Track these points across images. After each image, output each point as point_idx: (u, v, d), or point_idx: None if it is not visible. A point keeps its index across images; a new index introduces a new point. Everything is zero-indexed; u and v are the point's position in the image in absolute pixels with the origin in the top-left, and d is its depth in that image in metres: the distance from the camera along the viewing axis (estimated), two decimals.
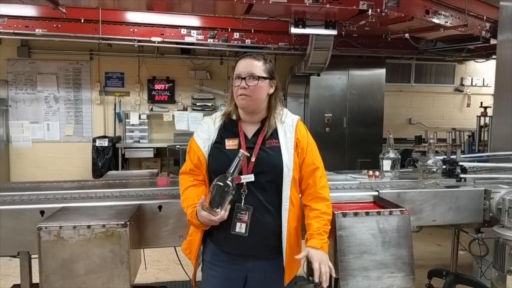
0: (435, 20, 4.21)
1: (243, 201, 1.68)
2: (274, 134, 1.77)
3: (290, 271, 1.78)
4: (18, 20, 5.12)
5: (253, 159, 1.70)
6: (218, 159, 1.72)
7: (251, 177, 1.68)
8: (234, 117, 1.80)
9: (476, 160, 3.40)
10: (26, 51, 6.28)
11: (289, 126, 1.79)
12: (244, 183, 1.68)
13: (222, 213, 1.61)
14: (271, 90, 1.77)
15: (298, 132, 1.79)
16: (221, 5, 4.17)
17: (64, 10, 4.10)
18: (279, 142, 1.75)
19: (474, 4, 4.58)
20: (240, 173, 1.67)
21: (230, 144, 1.73)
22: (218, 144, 1.75)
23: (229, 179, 1.60)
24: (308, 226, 1.77)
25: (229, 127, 1.79)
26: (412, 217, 2.21)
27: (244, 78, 1.71)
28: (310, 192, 1.80)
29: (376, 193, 2.36)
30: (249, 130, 1.78)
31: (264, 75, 1.73)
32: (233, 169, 1.61)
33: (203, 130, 1.80)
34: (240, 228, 1.68)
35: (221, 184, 1.58)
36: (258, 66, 1.72)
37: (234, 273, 1.77)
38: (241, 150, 1.66)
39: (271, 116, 1.78)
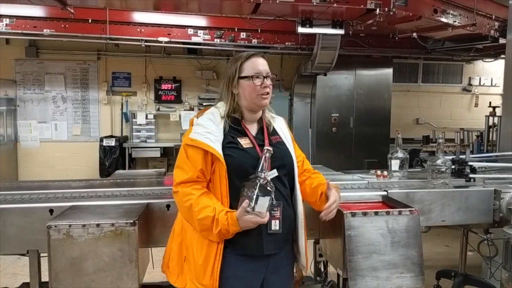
0: (443, 19, 4.18)
1: (273, 198, 1.64)
2: (274, 130, 1.83)
3: (307, 257, 1.84)
4: (26, 21, 5.16)
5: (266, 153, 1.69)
6: (239, 159, 1.66)
7: (274, 173, 1.68)
8: (236, 116, 1.77)
9: (485, 160, 3.38)
10: (34, 51, 6.32)
11: (281, 123, 1.89)
12: (270, 180, 1.64)
13: (268, 214, 1.57)
14: None
15: (288, 129, 1.91)
16: (228, 5, 4.17)
17: (72, 10, 4.12)
18: (281, 138, 1.82)
19: (482, 3, 4.54)
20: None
21: (244, 142, 1.71)
22: (232, 144, 1.68)
23: (267, 179, 1.57)
24: (317, 183, 1.84)
25: (234, 127, 1.75)
26: (421, 217, 2.19)
27: (266, 77, 1.73)
28: (308, 169, 1.93)
29: (385, 193, 2.35)
30: (252, 128, 1.79)
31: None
32: (264, 167, 1.59)
33: (208, 131, 1.68)
34: (275, 225, 1.66)
35: (265, 184, 1.55)
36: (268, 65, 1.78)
37: (255, 279, 1.72)
38: (266, 147, 1.64)
39: (265, 113, 1.83)
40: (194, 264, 1.66)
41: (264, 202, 1.54)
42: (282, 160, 1.73)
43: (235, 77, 1.73)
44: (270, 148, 1.63)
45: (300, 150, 1.95)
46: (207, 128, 1.68)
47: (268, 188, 1.56)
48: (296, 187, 1.79)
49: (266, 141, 1.75)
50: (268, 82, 1.73)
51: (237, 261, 1.67)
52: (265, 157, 1.60)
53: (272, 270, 1.74)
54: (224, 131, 1.71)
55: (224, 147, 1.66)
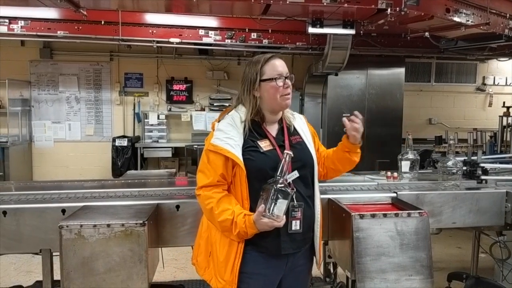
0: (456, 19, 4.12)
1: (294, 199, 1.68)
2: (294, 130, 1.85)
3: (320, 256, 1.89)
4: (40, 23, 5.23)
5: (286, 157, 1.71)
6: (259, 162, 1.69)
7: (295, 174, 1.69)
8: (256, 119, 1.78)
9: (498, 161, 3.33)
10: (48, 53, 6.42)
11: (301, 122, 1.91)
12: (291, 182, 1.67)
13: (284, 217, 1.60)
14: None
15: (309, 128, 1.93)
16: (238, 6, 4.18)
17: (85, 13, 4.18)
18: (301, 137, 1.84)
19: (496, 2, 4.46)
20: None
21: (264, 145, 1.73)
22: (252, 148, 1.71)
23: (286, 183, 1.59)
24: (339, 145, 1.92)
25: (254, 129, 1.76)
26: (431, 219, 2.18)
27: (287, 78, 1.75)
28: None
29: (395, 194, 2.34)
30: (272, 130, 1.81)
31: None
32: (284, 171, 1.60)
33: (229, 136, 1.71)
34: (296, 225, 1.70)
35: (283, 189, 1.56)
36: None
37: (273, 276, 1.77)
38: (286, 151, 1.65)
39: (285, 113, 1.86)
40: (217, 260, 1.73)
41: (281, 206, 1.57)
42: (302, 161, 1.76)
43: (257, 80, 1.75)
44: (290, 152, 1.64)
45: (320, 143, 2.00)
46: (228, 134, 1.71)
47: (287, 191, 1.57)
48: (315, 186, 1.83)
49: (287, 143, 1.77)
50: (288, 83, 1.76)
51: (256, 258, 1.73)
52: (285, 160, 1.62)
53: (291, 268, 1.79)
54: (244, 135, 1.73)
55: (244, 151, 1.70)
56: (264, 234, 1.65)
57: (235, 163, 1.67)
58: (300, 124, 1.89)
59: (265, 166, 1.67)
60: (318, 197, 1.85)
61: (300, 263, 1.82)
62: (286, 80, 1.75)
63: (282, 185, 1.57)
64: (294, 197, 1.65)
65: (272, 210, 1.57)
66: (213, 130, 1.78)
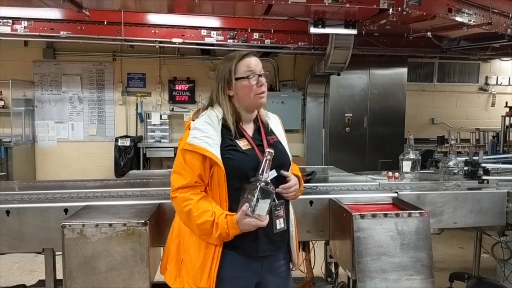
0: (458, 19, 4.12)
1: (275, 198, 1.65)
2: (270, 130, 1.82)
3: (298, 255, 1.85)
4: (43, 23, 5.26)
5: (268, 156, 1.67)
6: (239, 161, 1.64)
7: (274, 173, 1.66)
8: (233, 118, 1.73)
9: (500, 161, 3.33)
10: (51, 53, 6.45)
11: (276, 122, 1.87)
12: (269, 181, 1.63)
13: (267, 217, 1.57)
14: None
15: (282, 128, 1.89)
16: (240, 6, 4.20)
17: (87, 13, 4.21)
18: (277, 137, 1.81)
19: (499, 1, 4.46)
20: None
21: (243, 144, 1.69)
22: (230, 147, 1.66)
23: (267, 181, 1.56)
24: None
25: (230, 129, 1.70)
26: (432, 220, 2.18)
27: (260, 75, 1.71)
28: None
29: (395, 194, 2.34)
30: (249, 129, 1.77)
31: None
32: (265, 170, 1.57)
33: (207, 135, 1.66)
34: (280, 224, 1.67)
35: (265, 188, 1.54)
36: None
37: (250, 279, 1.71)
38: (267, 149, 1.62)
39: (260, 112, 1.82)
40: (192, 267, 1.65)
41: (264, 205, 1.54)
42: (279, 160, 1.70)
43: (231, 78, 1.71)
44: (272, 151, 1.61)
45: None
46: (206, 132, 1.66)
47: (269, 190, 1.55)
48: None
49: (265, 142, 1.74)
50: (262, 80, 1.71)
51: (233, 261, 1.66)
52: (267, 159, 1.59)
53: (268, 270, 1.73)
54: (222, 134, 1.68)
55: (223, 150, 1.65)
56: (243, 236, 1.59)
57: (213, 163, 1.61)
58: (275, 124, 1.86)
59: (246, 166, 1.63)
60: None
61: (277, 265, 1.77)
62: (260, 78, 1.70)
63: (265, 184, 1.55)
64: (274, 197, 1.62)
65: (255, 209, 1.53)
66: (188, 129, 1.70)
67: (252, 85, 1.69)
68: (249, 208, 1.52)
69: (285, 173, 1.70)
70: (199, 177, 1.64)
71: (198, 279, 1.63)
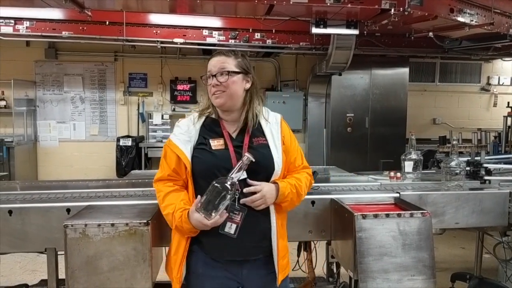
0: (460, 19, 4.12)
1: (236, 201, 1.60)
2: (260, 132, 1.74)
3: (282, 271, 1.74)
4: (45, 23, 5.27)
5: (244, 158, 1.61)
6: (205, 161, 1.65)
7: (243, 175, 1.61)
8: (213, 116, 1.75)
9: (502, 161, 3.32)
10: (53, 53, 6.46)
11: (273, 124, 1.78)
12: (237, 182, 1.58)
13: (217, 218, 1.53)
14: (248, 85, 1.73)
15: (283, 130, 1.79)
16: (242, 6, 4.20)
17: (89, 13, 4.21)
18: (266, 140, 1.72)
19: (500, 1, 4.46)
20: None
21: (216, 144, 1.67)
22: (202, 145, 1.68)
23: (229, 183, 1.51)
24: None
25: (211, 127, 1.72)
26: (434, 220, 2.18)
27: (215, 75, 1.67)
28: (291, 173, 1.80)
29: (397, 194, 2.34)
30: (232, 129, 1.74)
31: (236, 69, 1.69)
32: (235, 172, 1.54)
33: (182, 132, 1.71)
34: (230, 228, 1.60)
35: (219, 187, 1.50)
36: (228, 62, 1.69)
37: (228, 281, 1.69)
38: (246, 154, 1.57)
39: (249, 111, 1.73)
40: (169, 255, 1.77)
41: (216, 206, 1.51)
42: (257, 165, 1.61)
43: (203, 76, 1.74)
44: (250, 156, 1.56)
45: (304, 160, 1.86)
46: (182, 129, 1.73)
47: (224, 193, 1.50)
48: None
49: (246, 144, 1.68)
50: (214, 81, 1.67)
51: (206, 259, 1.69)
52: (242, 162, 1.55)
53: (250, 277, 1.70)
54: (200, 132, 1.71)
55: (195, 149, 1.68)
56: (208, 236, 1.62)
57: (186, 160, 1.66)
58: (271, 126, 1.76)
59: (211, 166, 1.62)
60: (273, 206, 1.69)
61: (261, 273, 1.72)
62: (215, 78, 1.67)
63: (227, 185, 1.50)
64: (237, 197, 1.58)
65: (207, 207, 1.51)
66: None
67: (208, 85, 1.70)
68: (199, 203, 1.53)
69: (252, 182, 1.62)
70: (174, 172, 1.70)
71: (171, 268, 1.75)
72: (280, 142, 1.74)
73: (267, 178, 1.68)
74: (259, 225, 1.68)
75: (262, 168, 1.66)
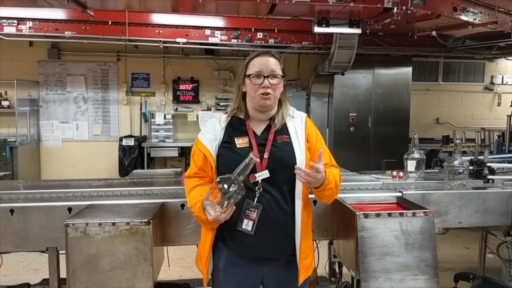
0: (463, 18, 4.10)
1: (256, 199, 1.63)
2: (284, 130, 1.76)
3: (305, 271, 1.75)
4: (48, 23, 5.28)
5: (266, 156, 1.67)
6: (230, 159, 1.67)
7: (266, 174, 1.65)
8: (241, 116, 1.77)
9: (506, 161, 3.30)
10: (56, 53, 6.47)
11: (298, 122, 1.80)
12: (259, 181, 1.64)
13: (218, 214, 1.55)
14: (282, 88, 1.77)
15: (307, 128, 1.80)
16: (244, 6, 4.19)
17: (92, 13, 4.22)
18: (290, 138, 1.74)
19: (504, 0, 4.43)
20: (254, 171, 1.63)
21: (240, 142, 1.70)
22: (227, 144, 1.71)
23: (229, 181, 1.54)
24: None
25: (236, 126, 1.76)
26: (437, 219, 2.17)
27: (267, 77, 1.69)
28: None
29: (400, 194, 2.33)
30: (258, 127, 1.76)
31: (282, 73, 1.74)
32: (238, 171, 1.55)
33: (209, 130, 1.77)
34: (247, 225, 1.63)
35: (220, 185, 1.54)
36: (277, 65, 1.73)
37: (249, 279, 1.73)
38: (251, 154, 1.58)
39: (280, 112, 1.77)
40: (198, 248, 1.82)
41: (223, 199, 1.53)
42: (280, 162, 1.67)
43: (242, 75, 1.75)
44: (254, 157, 1.57)
45: (332, 159, 1.91)
46: (209, 128, 1.78)
47: (224, 191, 1.52)
48: (296, 193, 1.70)
49: (269, 141, 1.70)
50: (266, 82, 1.68)
51: (229, 255, 1.74)
52: (245, 163, 1.56)
53: (271, 276, 1.73)
54: (226, 131, 1.75)
55: (220, 147, 1.72)
56: (231, 233, 1.67)
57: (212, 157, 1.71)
58: (296, 124, 1.78)
59: (233, 164, 1.61)
60: (299, 204, 1.69)
61: (282, 273, 1.73)
62: (266, 79, 1.68)
63: (226, 184, 1.52)
64: (257, 195, 1.62)
65: (210, 200, 1.55)
66: None
67: (255, 84, 1.70)
68: (205, 197, 1.58)
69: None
70: (200, 169, 1.75)
71: (199, 259, 1.81)
72: (304, 140, 1.76)
73: (290, 176, 1.66)
74: (283, 225, 1.70)
75: (283, 165, 1.68)
